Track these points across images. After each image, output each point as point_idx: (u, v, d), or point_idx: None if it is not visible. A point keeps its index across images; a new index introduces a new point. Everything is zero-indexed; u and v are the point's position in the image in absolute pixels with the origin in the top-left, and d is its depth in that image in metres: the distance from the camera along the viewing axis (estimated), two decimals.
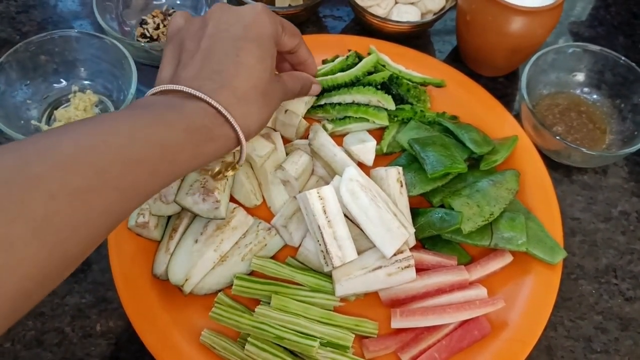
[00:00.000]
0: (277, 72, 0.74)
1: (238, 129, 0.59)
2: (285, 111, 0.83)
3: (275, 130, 0.85)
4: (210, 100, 0.57)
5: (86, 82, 0.91)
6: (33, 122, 0.86)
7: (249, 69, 0.61)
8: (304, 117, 0.85)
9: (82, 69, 0.91)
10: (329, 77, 0.86)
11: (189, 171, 0.57)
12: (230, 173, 0.70)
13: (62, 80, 0.91)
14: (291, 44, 0.72)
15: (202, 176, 0.75)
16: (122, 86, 0.88)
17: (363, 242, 0.73)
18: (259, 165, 0.80)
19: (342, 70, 0.89)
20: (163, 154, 0.52)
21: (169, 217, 0.79)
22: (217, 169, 0.71)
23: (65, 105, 0.90)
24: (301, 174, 0.78)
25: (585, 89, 0.95)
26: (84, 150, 0.46)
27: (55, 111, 0.89)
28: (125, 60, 0.85)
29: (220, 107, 0.57)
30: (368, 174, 0.78)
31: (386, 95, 0.85)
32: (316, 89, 0.82)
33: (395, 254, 0.70)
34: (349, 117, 0.85)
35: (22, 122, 0.85)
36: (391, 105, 0.85)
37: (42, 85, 0.89)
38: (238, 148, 0.62)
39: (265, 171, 0.81)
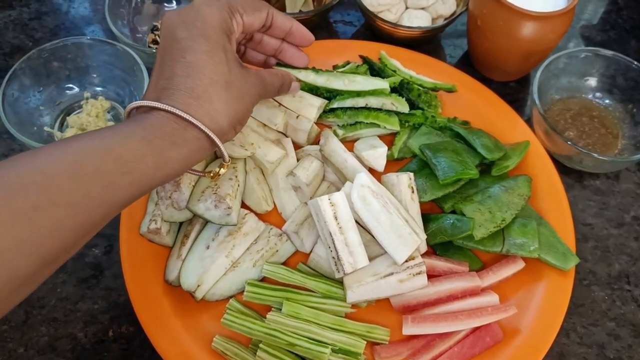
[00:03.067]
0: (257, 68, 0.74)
1: (202, 126, 0.57)
2: (297, 116, 0.83)
3: (286, 136, 0.85)
4: (166, 107, 0.56)
5: (98, 88, 0.92)
6: (46, 128, 0.87)
7: (200, 67, 0.59)
8: (315, 123, 0.85)
9: (94, 75, 0.92)
10: (349, 87, 0.85)
11: (161, 180, 0.56)
12: (222, 170, 0.68)
13: (74, 86, 0.91)
14: (258, 20, 0.69)
15: (212, 182, 0.75)
16: (134, 92, 0.88)
17: (374, 249, 0.73)
18: (270, 172, 0.81)
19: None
20: (119, 165, 0.51)
21: (181, 224, 0.79)
22: (215, 170, 0.69)
23: (77, 111, 0.91)
24: (312, 180, 0.78)
25: (597, 94, 0.95)
26: (30, 171, 0.47)
27: (67, 117, 0.89)
28: (137, 67, 0.85)
29: (177, 111, 0.56)
30: (379, 179, 0.78)
31: (399, 97, 0.85)
32: (295, 86, 0.78)
33: (406, 261, 0.70)
34: (360, 122, 0.86)
35: (35, 128, 0.86)
36: (405, 107, 0.85)
37: (55, 92, 0.90)
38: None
39: (276, 177, 0.81)
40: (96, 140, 0.52)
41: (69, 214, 0.48)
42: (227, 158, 0.64)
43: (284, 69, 0.82)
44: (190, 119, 0.56)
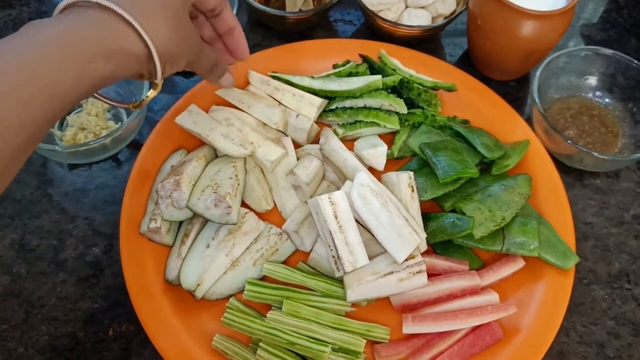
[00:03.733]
0: None
1: (144, 34, 0.54)
2: (297, 115, 0.84)
3: (286, 134, 0.86)
4: (106, 3, 0.52)
5: None
6: None
7: None
8: (315, 122, 0.85)
9: None
10: (344, 87, 0.86)
11: (85, 93, 0.52)
12: (152, 93, 0.64)
13: None
14: (214, 1, 0.68)
15: (213, 181, 0.75)
16: (134, 91, 0.88)
17: (374, 248, 0.73)
18: (270, 171, 0.81)
19: (351, 74, 0.89)
20: (33, 80, 0.47)
21: (181, 223, 0.79)
22: (141, 99, 0.66)
23: (77, 110, 0.90)
24: (312, 179, 0.78)
25: (597, 93, 0.95)
26: None
27: (67, 116, 0.89)
28: None
29: (120, 10, 0.52)
30: (379, 178, 0.78)
31: (398, 98, 0.85)
32: (228, 80, 0.75)
33: (406, 259, 0.70)
34: (360, 121, 0.86)
35: None
36: (403, 108, 0.85)
37: None
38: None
39: (276, 176, 0.81)
40: (6, 53, 0.47)
41: None
42: (159, 76, 0.58)
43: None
44: (130, 18, 0.53)
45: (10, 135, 0.47)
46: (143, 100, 0.65)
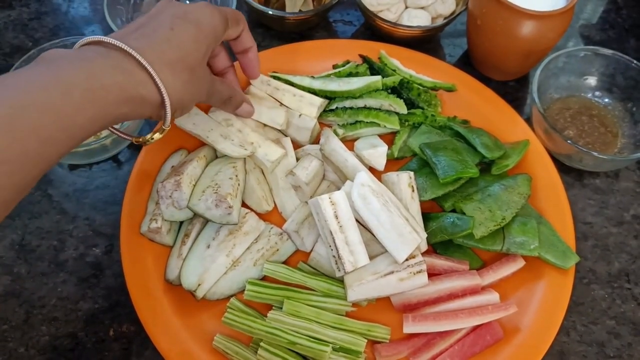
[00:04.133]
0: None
1: (161, 85, 0.57)
2: (300, 115, 0.84)
3: (285, 135, 0.86)
4: (131, 51, 0.55)
5: None
6: None
7: (181, 42, 0.60)
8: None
9: None
10: (344, 88, 0.86)
11: (96, 132, 0.54)
12: (157, 136, 0.67)
13: None
14: (235, 32, 0.72)
15: (213, 181, 0.75)
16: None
17: (375, 247, 0.73)
18: (270, 171, 0.81)
19: (351, 74, 0.89)
20: (57, 120, 0.49)
21: (181, 223, 0.79)
22: (146, 137, 0.68)
23: None
24: (312, 179, 0.78)
25: (597, 93, 0.95)
26: None
27: None
28: None
29: (142, 60, 0.55)
30: (379, 178, 0.78)
31: (398, 99, 0.85)
32: (247, 109, 0.80)
33: (407, 259, 0.70)
34: (360, 121, 0.86)
35: None
36: (403, 109, 0.85)
37: None
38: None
39: (275, 177, 0.81)
40: (35, 92, 0.49)
41: (5, 171, 0.47)
42: (168, 123, 0.62)
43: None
44: (154, 74, 0.56)
45: (27, 169, 0.49)
46: (148, 140, 0.67)
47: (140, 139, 0.68)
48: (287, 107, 0.85)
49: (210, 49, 0.65)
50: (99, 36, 0.57)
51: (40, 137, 0.48)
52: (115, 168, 0.88)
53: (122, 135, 0.69)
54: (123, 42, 0.56)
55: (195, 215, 0.76)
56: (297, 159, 0.83)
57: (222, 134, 0.80)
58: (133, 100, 0.56)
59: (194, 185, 0.76)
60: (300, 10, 0.99)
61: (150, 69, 0.56)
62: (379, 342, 0.72)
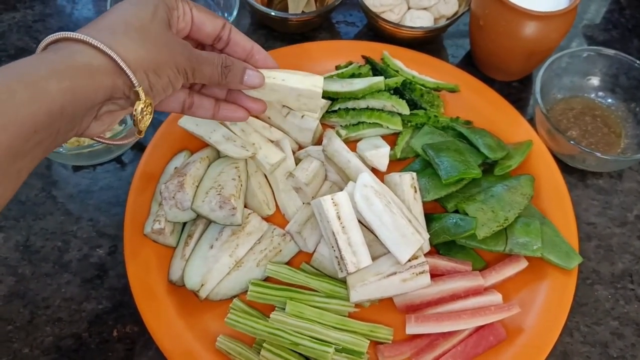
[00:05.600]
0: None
1: (99, 44, 0.52)
2: (302, 116, 0.84)
3: (288, 135, 0.86)
4: (59, 35, 0.53)
5: None
6: None
7: (120, 9, 0.57)
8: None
9: None
10: (346, 89, 0.86)
11: (53, 121, 0.50)
12: (139, 107, 0.58)
13: None
14: (211, 23, 0.65)
15: (216, 182, 0.75)
16: None
17: (377, 248, 0.73)
18: (269, 173, 0.81)
19: (353, 75, 0.89)
20: None
21: (185, 224, 0.79)
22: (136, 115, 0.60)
23: None
24: (312, 179, 0.78)
25: (600, 93, 0.95)
26: None
27: None
28: None
29: (72, 34, 0.52)
30: (382, 179, 0.78)
31: (400, 100, 0.86)
32: (255, 77, 0.68)
33: (409, 260, 0.71)
34: (363, 122, 0.86)
35: None
36: (405, 110, 0.85)
37: None
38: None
39: (276, 179, 0.82)
40: None
41: None
42: (136, 82, 0.55)
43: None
44: (80, 36, 0.52)
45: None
46: (138, 119, 0.59)
47: (134, 126, 0.60)
48: (289, 108, 0.85)
49: (162, 14, 0.59)
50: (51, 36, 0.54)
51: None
52: (118, 169, 0.88)
53: (116, 143, 0.65)
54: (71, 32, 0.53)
55: (199, 216, 0.76)
56: (300, 160, 0.83)
57: (224, 135, 0.80)
58: (72, 69, 0.51)
59: (197, 187, 0.76)
60: (303, 12, 0.99)
61: (81, 36, 0.52)
62: (381, 343, 0.72)
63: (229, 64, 0.65)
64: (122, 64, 0.53)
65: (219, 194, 0.73)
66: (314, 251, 0.77)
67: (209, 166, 0.80)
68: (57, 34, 0.53)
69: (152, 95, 0.58)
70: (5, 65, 0.50)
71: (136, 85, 0.55)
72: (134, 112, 0.58)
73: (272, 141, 0.83)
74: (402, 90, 0.89)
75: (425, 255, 0.74)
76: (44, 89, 0.49)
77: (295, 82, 0.72)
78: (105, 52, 0.53)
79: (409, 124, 0.87)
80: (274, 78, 0.72)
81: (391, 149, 0.84)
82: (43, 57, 0.51)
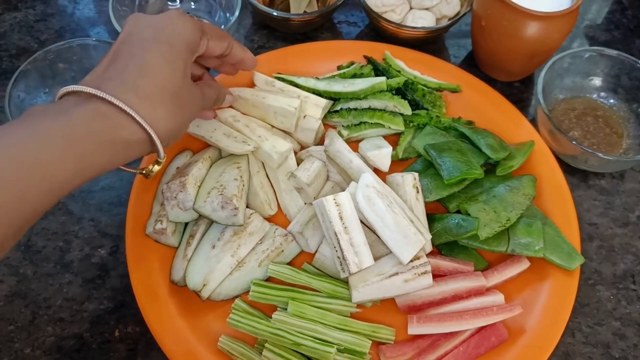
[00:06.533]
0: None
1: (144, 122, 0.55)
2: (304, 116, 0.84)
3: (290, 135, 0.86)
4: (104, 95, 0.53)
5: None
6: None
7: (156, 69, 0.57)
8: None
9: None
10: (348, 89, 0.86)
11: (80, 184, 0.53)
12: (156, 167, 0.67)
13: None
14: (220, 48, 0.69)
15: (218, 182, 0.75)
16: None
17: (379, 249, 0.73)
18: (277, 165, 0.81)
19: (355, 75, 0.89)
20: (34, 172, 0.48)
21: (187, 224, 0.79)
22: (148, 168, 0.68)
23: None
24: (313, 180, 0.78)
25: (602, 94, 0.95)
26: None
27: None
28: None
29: (118, 103, 0.53)
30: (384, 179, 0.78)
31: (402, 100, 0.85)
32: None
33: (411, 260, 0.70)
34: (365, 122, 0.86)
35: None
36: (407, 110, 0.85)
37: None
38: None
39: (277, 180, 0.82)
40: (9, 144, 0.48)
41: None
42: (162, 154, 0.60)
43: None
44: (133, 113, 0.54)
45: (5, 225, 0.47)
46: (150, 171, 0.68)
47: (144, 171, 0.68)
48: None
49: (189, 64, 0.62)
50: (74, 86, 0.55)
51: (16, 193, 0.47)
52: (120, 169, 0.88)
53: (126, 169, 0.66)
54: (97, 88, 0.54)
55: (201, 216, 0.76)
56: (302, 160, 0.83)
57: (224, 132, 0.80)
58: (115, 145, 0.54)
59: (199, 187, 0.76)
60: (304, 12, 0.99)
61: (129, 110, 0.54)
62: (383, 344, 0.72)
63: (219, 96, 0.75)
64: (157, 142, 0.57)
65: (221, 194, 0.73)
66: (316, 251, 0.77)
67: (211, 166, 0.80)
68: (101, 93, 0.54)
69: None
70: (47, 121, 0.51)
71: (162, 158, 0.61)
72: (150, 172, 0.67)
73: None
74: (404, 91, 0.89)
75: (428, 255, 0.73)
76: (89, 163, 0.52)
77: (272, 101, 0.83)
78: (147, 130, 0.56)
79: (411, 124, 0.87)
80: (256, 96, 0.84)
81: (393, 149, 0.84)
82: (91, 128, 0.52)
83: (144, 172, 0.68)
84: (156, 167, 0.67)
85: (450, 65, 0.94)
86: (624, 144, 0.90)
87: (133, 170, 0.68)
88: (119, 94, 0.54)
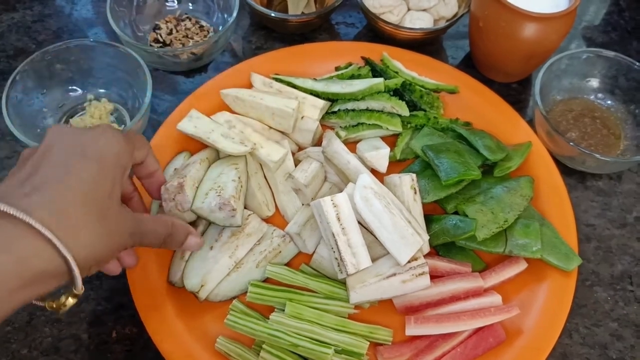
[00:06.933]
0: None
1: (62, 247, 0.47)
2: (302, 117, 0.84)
3: (287, 136, 0.86)
4: (18, 215, 0.46)
5: (101, 90, 0.92)
6: None
7: (81, 186, 0.51)
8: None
9: (98, 77, 0.92)
10: (346, 90, 0.86)
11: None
12: (70, 301, 0.55)
13: (77, 88, 0.91)
14: (140, 157, 0.64)
15: (216, 183, 0.75)
16: (137, 94, 0.88)
17: (377, 250, 0.73)
18: (274, 171, 0.81)
19: (353, 76, 0.89)
20: None
21: None
22: (60, 301, 0.56)
23: (81, 113, 0.91)
24: (311, 181, 0.78)
25: (599, 95, 0.95)
26: None
27: (71, 119, 0.90)
28: (140, 69, 0.85)
29: (34, 222, 0.46)
30: (381, 180, 0.78)
31: (400, 101, 0.85)
32: (194, 242, 0.67)
33: (409, 261, 0.70)
34: (363, 123, 0.86)
35: (39, 130, 0.86)
36: (405, 111, 0.85)
37: (58, 94, 0.90)
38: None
39: (275, 181, 0.82)
40: None
41: None
42: (80, 287, 0.51)
43: None
44: (45, 231, 0.46)
45: None
46: (61, 305, 0.55)
47: (54, 305, 0.55)
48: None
49: (118, 183, 0.55)
50: None
51: None
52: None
53: (37, 303, 0.55)
54: (9, 203, 0.46)
55: (199, 217, 0.76)
56: (300, 161, 0.83)
57: (222, 133, 0.80)
58: (36, 279, 0.47)
59: (197, 188, 0.76)
60: (302, 13, 0.99)
61: (45, 231, 0.46)
62: (381, 345, 0.72)
63: (173, 232, 0.64)
64: (76, 272, 0.49)
65: (218, 195, 0.73)
66: (314, 252, 0.77)
67: (209, 167, 0.80)
68: (10, 211, 0.46)
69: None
70: None
71: (78, 290, 0.52)
72: (63, 305, 0.55)
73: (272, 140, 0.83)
74: (401, 92, 0.89)
75: (425, 256, 0.73)
76: (8, 301, 0.46)
77: (270, 102, 0.83)
78: (65, 256, 0.48)
79: (409, 125, 0.87)
80: (254, 97, 0.84)
81: (391, 150, 0.84)
82: (16, 261, 0.46)
83: (54, 305, 0.55)
84: (70, 301, 0.55)
85: (447, 67, 0.94)
86: (621, 145, 0.90)
87: (40, 303, 0.55)
88: (35, 210, 0.47)
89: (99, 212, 0.52)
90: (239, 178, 0.77)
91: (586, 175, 0.91)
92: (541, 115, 0.85)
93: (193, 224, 0.78)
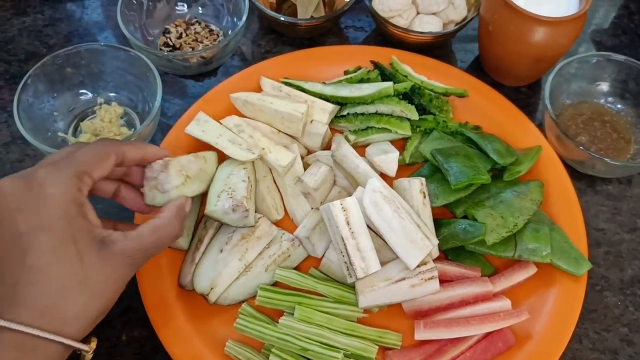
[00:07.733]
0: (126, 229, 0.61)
1: (47, 335, 0.49)
2: (311, 121, 0.84)
3: (296, 140, 0.86)
4: (11, 325, 0.48)
5: (112, 94, 0.93)
6: (60, 133, 0.88)
7: (45, 272, 0.50)
8: None
9: (108, 81, 0.92)
10: (355, 93, 0.86)
11: None
12: (89, 356, 0.56)
13: (88, 92, 0.92)
14: (107, 169, 0.61)
15: (227, 185, 0.75)
16: (147, 98, 0.89)
17: (386, 254, 0.73)
18: (282, 175, 0.81)
19: (362, 80, 0.89)
20: None
21: (196, 228, 0.79)
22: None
23: (91, 117, 0.91)
24: (320, 184, 0.78)
25: (609, 99, 0.95)
26: None
27: (81, 123, 0.90)
28: (150, 73, 0.86)
29: (27, 329, 0.48)
30: (391, 184, 0.78)
31: (409, 105, 0.86)
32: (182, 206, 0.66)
33: (418, 266, 0.70)
34: (372, 127, 0.86)
35: (49, 133, 0.86)
36: (414, 115, 0.85)
37: (69, 98, 0.90)
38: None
39: (284, 185, 0.82)
40: None
41: None
42: (87, 348, 0.54)
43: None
44: (47, 335, 0.49)
45: None
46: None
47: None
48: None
49: (78, 234, 0.53)
50: None
51: None
52: None
53: None
54: (4, 319, 0.48)
55: (208, 219, 0.76)
56: (309, 165, 0.84)
57: (229, 139, 0.80)
58: None
59: (190, 179, 0.73)
60: (311, 17, 1.00)
61: (41, 333, 0.49)
62: (390, 349, 0.72)
63: (167, 234, 0.63)
64: (76, 345, 0.52)
65: (230, 197, 0.73)
66: (323, 256, 0.77)
67: (205, 164, 0.78)
68: (22, 326, 0.48)
69: None
70: None
71: (89, 352, 0.55)
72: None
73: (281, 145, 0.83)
74: (410, 96, 0.89)
75: (434, 260, 0.73)
76: None
77: (279, 106, 0.84)
78: (55, 339, 0.50)
79: (418, 129, 0.87)
80: (264, 101, 0.85)
81: (400, 154, 0.84)
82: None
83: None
84: (89, 356, 0.56)
85: (457, 70, 0.94)
86: (631, 150, 0.90)
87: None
88: (21, 314, 0.49)
89: (78, 282, 0.51)
90: (249, 178, 0.77)
91: (596, 179, 0.91)
92: (551, 119, 0.85)
93: (203, 227, 0.78)
